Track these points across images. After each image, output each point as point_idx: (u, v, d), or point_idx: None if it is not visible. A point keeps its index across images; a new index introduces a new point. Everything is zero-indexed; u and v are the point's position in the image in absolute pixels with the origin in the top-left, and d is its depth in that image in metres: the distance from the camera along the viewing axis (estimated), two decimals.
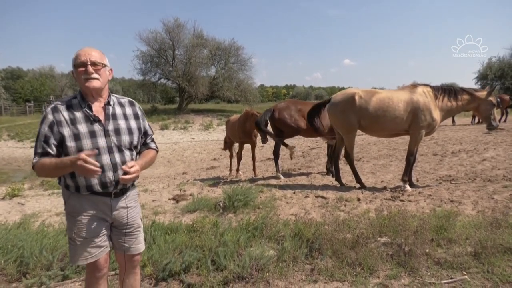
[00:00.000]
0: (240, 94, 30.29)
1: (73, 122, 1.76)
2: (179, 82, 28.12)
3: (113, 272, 2.75)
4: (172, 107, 33.32)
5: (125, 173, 1.77)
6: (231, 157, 8.25)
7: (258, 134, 7.04)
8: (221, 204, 4.53)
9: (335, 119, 5.83)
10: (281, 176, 6.85)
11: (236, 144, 7.90)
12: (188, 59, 27.97)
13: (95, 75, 1.78)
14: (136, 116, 1.99)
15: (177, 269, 2.67)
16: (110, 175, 1.81)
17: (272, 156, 7.79)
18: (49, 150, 1.75)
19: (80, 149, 1.74)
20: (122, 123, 1.90)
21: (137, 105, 2.04)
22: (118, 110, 1.92)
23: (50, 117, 1.75)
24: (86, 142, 1.76)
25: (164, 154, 14.77)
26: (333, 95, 6.09)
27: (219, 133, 19.89)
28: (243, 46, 30.79)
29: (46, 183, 7.53)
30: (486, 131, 11.31)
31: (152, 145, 2.09)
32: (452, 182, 5.58)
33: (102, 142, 1.80)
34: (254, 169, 7.62)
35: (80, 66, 1.77)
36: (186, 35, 29.05)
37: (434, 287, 2.36)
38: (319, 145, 12.04)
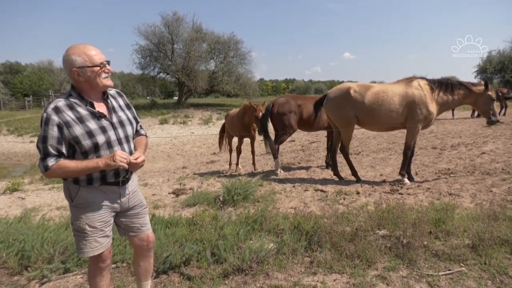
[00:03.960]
0: (239, 88, 30.16)
1: (81, 120, 1.75)
2: (178, 76, 28.00)
3: (114, 265, 2.77)
4: (171, 101, 33.27)
5: (134, 165, 1.85)
6: (230, 151, 8.26)
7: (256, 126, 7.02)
8: (221, 198, 4.55)
9: (331, 114, 5.82)
10: (281, 170, 6.86)
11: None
12: (187, 53, 27.78)
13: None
14: (128, 106, 2.06)
15: (177, 262, 2.69)
16: None
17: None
18: (63, 151, 1.74)
19: (96, 146, 1.78)
20: (122, 115, 1.96)
21: (124, 95, 2.11)
22: (114, 102, 1.97)
23: (56, 118, 1.69)
24: (100, 138, 1.79)
25: (163, 148, 14.77)
26: (329, 90, 6.09)
27: (218, 127, 19.68)
28: (242, 40, 30.60)
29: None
30: (485, 124, 11.33)
31: (142, 131, 2.16)
32: (451, 175, 5.59)
33: (112, 135, 1.86)
34: (253, 163, 7.63)
35: (100, 66, 1.79)
36: (185, 29, 28.85)
37: (432, 278, 2.38)
38: (319, 139, 12.04)
